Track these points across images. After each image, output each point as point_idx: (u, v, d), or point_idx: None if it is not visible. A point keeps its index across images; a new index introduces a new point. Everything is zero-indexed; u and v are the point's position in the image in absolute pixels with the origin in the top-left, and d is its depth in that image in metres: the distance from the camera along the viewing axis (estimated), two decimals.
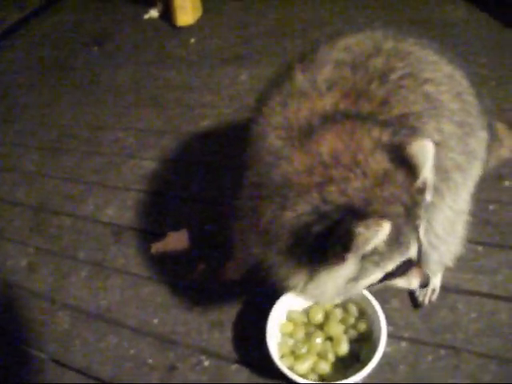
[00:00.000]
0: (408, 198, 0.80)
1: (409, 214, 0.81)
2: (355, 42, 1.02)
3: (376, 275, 0.85)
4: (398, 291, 1.21)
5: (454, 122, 0.96)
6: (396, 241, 0.80)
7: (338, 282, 0.84)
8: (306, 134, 0.87)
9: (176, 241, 1.45)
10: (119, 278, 1.45)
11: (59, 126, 2.19)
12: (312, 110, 0.90)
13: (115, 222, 1.62)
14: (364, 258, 0.80)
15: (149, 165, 1.80)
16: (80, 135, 2.08)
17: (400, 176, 0.80)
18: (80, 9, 3.29)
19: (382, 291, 1.20)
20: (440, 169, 0.92)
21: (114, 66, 2.50)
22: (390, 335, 1.13)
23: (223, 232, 1.47)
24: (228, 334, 1.23)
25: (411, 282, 0.92)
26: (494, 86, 1.72)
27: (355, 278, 0.83)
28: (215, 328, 1.25)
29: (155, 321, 1.31)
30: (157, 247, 1.46)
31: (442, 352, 1.11)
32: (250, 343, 1.19)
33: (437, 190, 0.94)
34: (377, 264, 0.82)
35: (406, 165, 0.79)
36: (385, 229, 0.72)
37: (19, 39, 3.12)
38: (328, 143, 0.83)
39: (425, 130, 0.91)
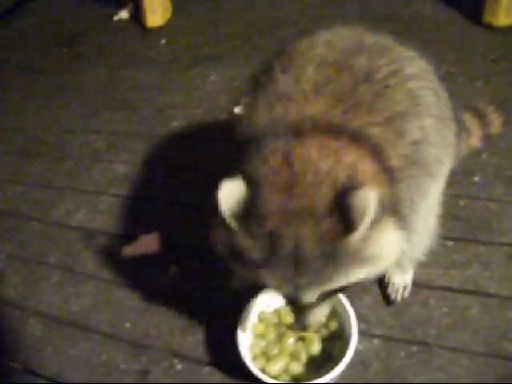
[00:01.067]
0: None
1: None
2: (335, 38, 1.01)
3: None
4: (370, 288, 1.22)
5: (433, 117, 0.96)
6: None
7: None
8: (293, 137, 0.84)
9: (147, 244, 1.43)
10: (90, 283, 1.43)
11: (28, 130, 2.16)
12: (300, 114, 0.87)
13: (86, 227, 1.60)
14: None
15: (120, 168, 1.78)
16: (49, 139, 2.05)
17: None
18: (48, 11, 3.24)
19: (353, 289, 1.21)
20: (423, 164, 0.93)
21: (84, 68, 2.47)
22: (362, 333, 1.13)
23: (195, 234, 1.46)
24: (200, 336, 1.22)
25: None
26: (462, 83, 1.74)
27: None
28: (187, 331, 1.24)
29: (127, 325, 1.30)
30: (127, 251, 1.44)
31: (414, 348, 1.11)
32: (222, 346, 1.18)
33: (420, 186, 0.95)
34: None
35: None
36: None
37: None
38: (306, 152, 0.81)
39: (409, 129, 0.91)
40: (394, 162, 0.87)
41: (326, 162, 0.80)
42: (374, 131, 0.86)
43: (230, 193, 0.77)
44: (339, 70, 0.91)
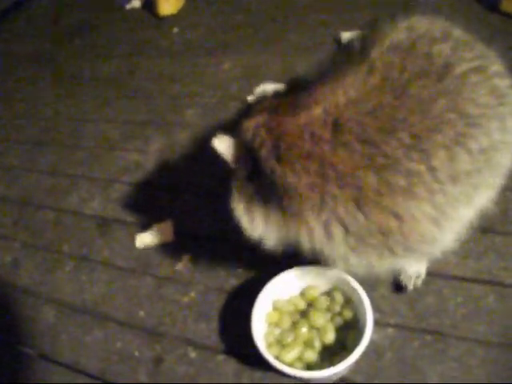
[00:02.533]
0: None
1: None
2: (419, 25, 0.98)
3: None
4: (384, 279, 1.21)
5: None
6: None
7: None
8: None
9: (161, 232, 1.44)
10: (104, 271, 1.44)
11: (42, 119, 2.17)
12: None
13: (100, 215, 1.61)
14: None
15: (133, 156, 1.78)
16: (63, 128, 2.06)
17: None
18: (59, 1, 3.25)
19: (367, 278, 1.21)
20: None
21: (97, 57, 2.47)
22: (376, 322, 1.13)
23: (208, 222, 1.46)
24: (214, 325, 1.23)
25: None
26: None
27: None
28: (201, 319, 1.25)
29: (141, 313, 1.30)
30: (141, 239, 1.45)
31: (429, 337, 1.10)
32: (236, 334, 1.18)
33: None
34: None
35: None
36: None
37: None
38: None
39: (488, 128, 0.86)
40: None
41: None
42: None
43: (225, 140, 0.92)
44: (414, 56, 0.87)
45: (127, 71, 2.29)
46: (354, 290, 1.06)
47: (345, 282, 1.08)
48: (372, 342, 1.09)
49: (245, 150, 0.93)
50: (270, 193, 0.91)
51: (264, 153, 0.88)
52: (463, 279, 1.19)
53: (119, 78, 2.25)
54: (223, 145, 0.96)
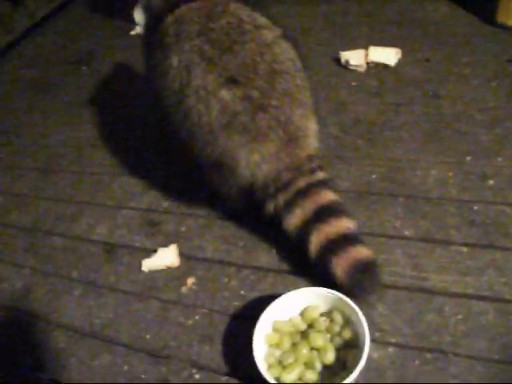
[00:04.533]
0: None
1: None
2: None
3: None
4: (384, 297, 1.23)
5: None
6: None
7: None
8: None
9: (166, 256, 1.46)
10: (111, 295, 1.46)
11: (50, 146, 2.21)
12: None
13: (107, 241, 1.64)
14: None
15: (139, 182, 1.81)
16: (70, 155, 2.10)
17: None
18: (66, 29, 3.31)
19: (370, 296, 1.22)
20: None
21: (103, 83, 2.51)
22: (376, 341, 1.15)
23: (212, 245, 1.49)
24: (218, 347, 1.24)
25: None
26: (476, 84, 1.74)
27: None
28: (205, 342, 1.26)
29: (147, 336, 1.32)
30: (147, 264, 1.47)
31: (429, 356, 1.11)
32: (239, 355, 1.20)
33: None
34: None
35: None
36: None
37: (7, 62, 3.15)
38: None
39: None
40: None
41: None
42: None
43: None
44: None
45: (133, 97, 2.32)
46: (353, 310, 1.08)
47: (343, 303, 1.10)
48: (373, 361, 1.11)
49: None
50: None
51: None
52: (464, 296, 1.20)
53: (125, 104, 2.29)
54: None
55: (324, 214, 1.21)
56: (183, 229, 1.57)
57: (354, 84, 1.89)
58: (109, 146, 2.07)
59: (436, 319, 1.17)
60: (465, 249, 1.29)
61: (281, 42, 1.29)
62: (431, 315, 1.18)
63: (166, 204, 1.68)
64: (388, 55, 1.90)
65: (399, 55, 1.93)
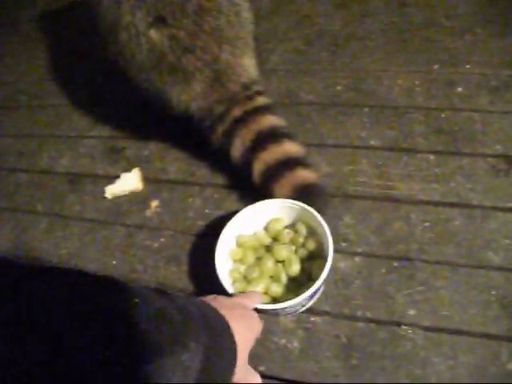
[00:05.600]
0: None
1: None
2: None
3: None
4: (350, 207, 1.21)
5: None
6: None
7: None
8: None
9: (129, 181, 1.43)
10: (77, 225, 1.43)
11: (7, 83, 2.12)
12: None
13: (70, 171, 1.59)
14: None
15: (99, 111, 1.76)
16: (29, 90, 2.02)
17: None
18: None
19: (335, 208, 1.20)
20: None
21: (58, 13, 2.41)
22: (343, 251, 1.14)
23: (175, 167, 1.45)
24: (184, 267, 1.23)
25: None
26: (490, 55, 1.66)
27: None
28: (171, 263, 1.25)
29: (114, 262, 1.31)
30: (110, 190, 1.44)
31: (396, 264, 1.11)
32: (205, 274, 1.18)
33: None
34: None
35: None
36: None
37: None
38: None
39: None
40: None
41: None
42: None
43: None
44: None
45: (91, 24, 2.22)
46: (317, 220, 1.06)
47: (308, 214, 1.08)
48: (340, 271, 1.10)
49: None
50: None
51: None
52: (430, 203, 1.19)
53: (81, 33, 2.19)
54: None
55: (263, 140, 1.18)
56: (146, 153, 1.53)
57: None
58: (68, 78, 1.99)
59: (403, 227, 1.16)
60: (432, 156, 1.27)
61: None
62: (398, 223, 1.17)
63: (127, 130, 1.63)
64: None
65: None
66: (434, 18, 1.59)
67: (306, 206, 1.08)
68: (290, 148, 1.19)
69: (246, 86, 1.23)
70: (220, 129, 1.23)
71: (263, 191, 1.18)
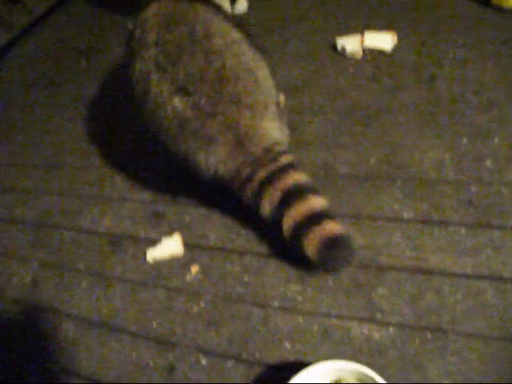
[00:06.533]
0: None
1: None
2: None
3: None
4: (384, 278, 1.25)
5: None
6: None
7: None
8: None
9: (170, 246, 1.49)
10: (118, 285, 1.49)
11: (53, 142, 2.23)
12: None
13: (112, 232, 1.67)
14: None
15: (141, 174, 1.84)
16: (74, 150, 2.12)
17: None
18: (65, 25, 3.32)
19: (369, 279, 1.25)
20: None
21: (103, 78, 2.53)
22: (377, 322, 1.18)
23: (216, 233, 1.51)
24: (223, 332, 1.28)
25: None
26: (473, 68, 1.74)
27: None
28: (211, 327, 1.30)
29: (154, 324, 1.36)
30: (152, 253, 1.51)
31: (429, 335, 1.14)
32: (244, 339, 1.23)
33: None
34: None
35: None
36: None
37: (8, 60, 3.17)
38: None
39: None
40: None
41: None
42: None
43: None
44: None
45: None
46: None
47: (369, 377, 1.02)
48: (374, 342, 1.14)
49: None
50: None
51: None
52: (462, 276, 1.22)
53: (125, 99, 2.30)
54: None
55: (289, 198, 1.26)
56: (186, 219, 1.59)
57: (350, 70, 1.90)
58: (111, 141, 2.09)
59: (435, 299, 1.20)
60: (463, 229, 1.31)
61: (235, 46, 1.35)
62: (431, 295, 1.21)
63: (168, 195, 1.70)
64: (384, 40, 1.91)
65: (395, 39, 1.93)
66: (462, 92, 1.66)
67: (365, 369, 1.02)
68: (315, 202, 1.26)
69: (268, 149, 1.31)
70: (248, 190, 1.31)
71: (294, 247, 1.25)
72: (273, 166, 1.29)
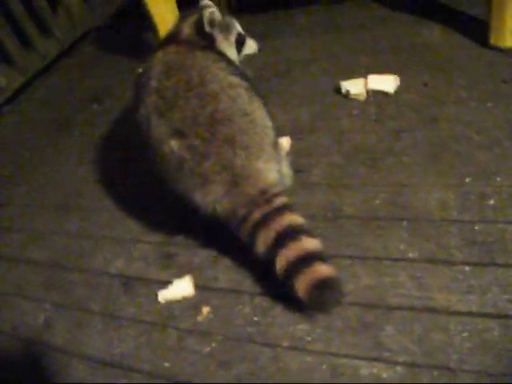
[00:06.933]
0: None
1: None
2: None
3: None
4: (391, 317, 1.28)
5: None
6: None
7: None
8: None
9: (181, 287, 1.53)
10: (131, 326, 1.52)
11: (66, 184, 2.29)
12: None
13: (124, 274, 1.70)
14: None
15: (152, 217, 1.88)
16: (86, 192, 2.18)
17: None
18: (76, 68, 3.43)
19: (377, 318, 1.27)
20: None
21: (114, 121, 2.60)
22: (385, 361, 1.20)
23: (226, 275, 1.55)
24: (234, 371, 1.30)
25: None
26: (473, 106, 1.79)
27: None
28: (221, 367, 1.32)
29: (166, 364, 1.38)
30: (163, 295, 1.54)
31: (437, 373, 1.16)
32: (253, 380, 1.25)
33: None
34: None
35: None
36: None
37: (21, 102, 3.26)
38: None
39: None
40: None
41: None
42: None
43: None
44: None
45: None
46: None
47: None
48: (383, 381, 1.15)
49: None
50: None
51: None
52: (468, 314, 1.24)
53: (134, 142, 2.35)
54: None
55: (283, 238, 1.30)
56: (196, 260, 1.63)
57: (354, 112, 1.96)
58: (124, 183, 2.14)
59: (442, 337, 1.22)
60: (467, 268, 1.33)
61: (231, 90, 1.42)
62: (437, 334, 1.23)
63: (179, 237, 1.75)
64: (387, 82, 1.98)
65: (398, 82, 1.99)
66: (464, 132, 1.71)
67: None
68: (308, 244, 1.30)
69: (263, 191, 1.36)
70: (245, 230, 1.36)
71: (286, 284, 1.29)
72: (268, 208, 1.34)
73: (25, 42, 3.31)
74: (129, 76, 2.95)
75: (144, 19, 2.65)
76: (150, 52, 1.58)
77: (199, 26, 1.61)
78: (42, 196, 2.28)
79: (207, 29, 1.61)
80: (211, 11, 1.60)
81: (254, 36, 1.79)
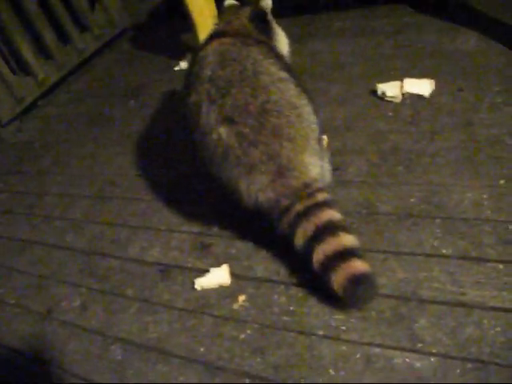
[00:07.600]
0: None
1: None
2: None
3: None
4: (425, 310, 1.30)
5: None
6: None
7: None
8: None
9: (218, 275, 1.57)
10: (166, 312, 1.57)
11: (102, 175, 2.36)
12: None
13: (160, 262, 1.75)
14: None
15: (189, 208, 1.93)
16: (122, 183, 2.24)
17: None
18: (113, 65, 3.51)
19: (411, 311, 1.30)
20: None
21: (150, 116, 2.66)
22: (419, 351, 1.22)
23: (263, 265, 1.59)
24: (269, 358, 1.33)
25: None
26: (509, 112, 1.81)
27: None
28: (257, 354, 1.35)
29: (202, 349, 1.42)
30: (200, 283, 1.58)
31: (470, 365, 1.18)
32: (290, 366, 1.29)
33: None
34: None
35: None
36: None
37: (58, 97, 3.35)
38: None
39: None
40: None
41: None
42: None
43: None
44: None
45: (180, 126, 2.43)
46: None
47: None
48: (416, 370, 1.18)
49: None
50: None
51: None
52: (501, 309, 1.26)
53: (170, 136, 2.42)
54: None
55: (322, 233, 1.33)
56: (233, 251, 1.67)
57: (390, 114, 1.99)
58: (160, 174, 2.20)
59: (475, 331, 1.24)
60: (501, 265, 1.35)
61: (281, 83, 1.47)
62: (471, 328, 1.25)
63: (216, 228, 1.79)
64: (422, 86, 2.00)
65: (433, 86, 2.02)
66: (498, 135, 1.72)
67: None
68: (346, 240, 1.33)
69: (307, 184, 1.39)
70: (285, 221, 1.39)
71: (322, 278, 1.32)
72: (310, 201, 1.37)
73: (64, 38, 3.40)
74: (164, 74, 3.03)
75: (180, 19, 2.71)
76: (186, 51, 1.64)
77: (256, 16, 1.69)
78: (79, 186, 2.35)
79: (269, 17, 1.71)
80: (266, 1, 1.71)
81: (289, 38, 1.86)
